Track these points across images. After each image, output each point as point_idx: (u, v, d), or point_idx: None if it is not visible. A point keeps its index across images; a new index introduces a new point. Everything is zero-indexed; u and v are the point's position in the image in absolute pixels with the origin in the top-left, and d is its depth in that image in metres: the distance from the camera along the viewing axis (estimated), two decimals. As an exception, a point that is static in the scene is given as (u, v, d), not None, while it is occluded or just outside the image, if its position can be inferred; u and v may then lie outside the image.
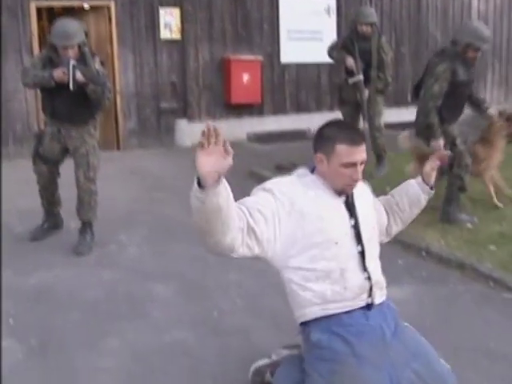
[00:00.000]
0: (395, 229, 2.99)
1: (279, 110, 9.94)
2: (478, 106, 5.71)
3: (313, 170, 2.61)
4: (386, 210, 2.94)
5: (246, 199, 2.46)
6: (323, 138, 2.56)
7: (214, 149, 2.08)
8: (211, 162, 2.08)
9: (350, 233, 2.57)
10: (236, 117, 9.50)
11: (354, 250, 2.57)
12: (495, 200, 5.76)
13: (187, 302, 3.91)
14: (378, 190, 3.06)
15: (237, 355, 3.25)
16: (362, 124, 7.07)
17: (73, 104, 4.60)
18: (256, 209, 2.40)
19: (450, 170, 5.32)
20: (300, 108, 10.11)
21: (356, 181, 2.54)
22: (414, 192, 2.93)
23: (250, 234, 2.35)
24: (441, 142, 5.25)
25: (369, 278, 2.56)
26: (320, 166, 2.56)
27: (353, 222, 2.58)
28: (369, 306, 2.56)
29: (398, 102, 10.27)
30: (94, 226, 4.95)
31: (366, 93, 6.90)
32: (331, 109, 10.00)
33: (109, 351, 3.29)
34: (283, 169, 7.32)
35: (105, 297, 3.96)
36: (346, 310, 2.53)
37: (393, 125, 8.61)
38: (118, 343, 3.37)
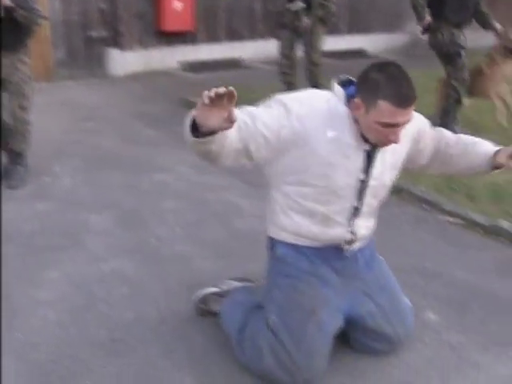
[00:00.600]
0: (430, 171, 2.81)
1: (212, 38, 9.74)
2: (484, 20, 5.74)
3: (350, 97, 2.29)
4: (433, 152, 2.65)
5: (259, 114, 2.22)
6: (367, 83, 2.21)
7: (219, 106, 1.90)
8: (213, 118, 1.93)
9: (355, 186, 2.38)
10: (168, 45, 9.25)
11: (350, 203, 2.41)
12: (499, 117, 6.01)
13: (124, 231, 3.87)
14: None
15: (178, 282, 3.24)
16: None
17: (1, 29, 4.39)
18: (262, 134, 2.20)
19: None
20: (233, 36, 9.94)
21: (392, 142, 2.26)
22: (478, 163, 2.61)
23: (246, 155, 2.24)
24: (426, 21, 5.48)
25: (352, 232, 2.49)
26: (356, 111, 2.25)
27: (363, 176, 2.37)
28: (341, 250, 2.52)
29: (332, 30, 10.23)
30: (27, 159, 4.80)
31: (307, 22, 6.49)
32: (264, 37, 9.88)
33: (48, 283, 3.23)
34: (217, 98, 7.25)
35: (40, 229, 3.88)
36: (317, 247, 2.50)
37: (328, 54, 8.58)
38: (57, 275, 3.31)
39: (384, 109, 2.14)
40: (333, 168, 2.30)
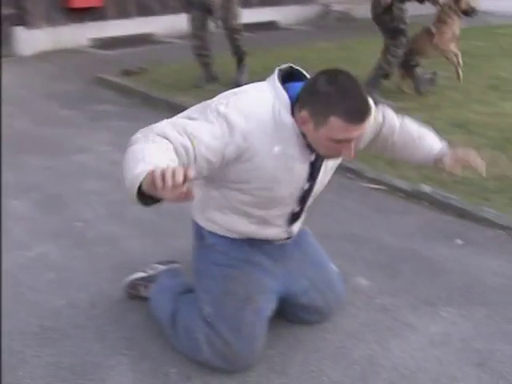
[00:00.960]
0: (368, 151, 2.70)
1: (123, 13, 9.51)
2: None
3: (295, 101, 2.08)
4: (372, 137, 2.52)
5: (200, 134, 1.95)
6: (315, 97, 2.00)
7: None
8: (166, 196, 1.66)
9: (297, 194, 2.29)
10: (77, 22, 8.98)
11: (291, 209, 2.36)
12: (459, 72, 6.17)
13: (47, 215, 3.75)
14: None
15: (106, 264, 3.18)
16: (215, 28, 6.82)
17: None
18: (205, 158, 1.97)
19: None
20: (144, 11, 9.74)
21: (345, 156, 2.10)
22: (422, 158, 2.62)
23: None
24: None
25: (288, 232, 2.46)
26: (302, 126, 2.06)
27: (307, 186, 2.28)
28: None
29: (244, 3, 10.12)
30: None
31: None
32: (176, 12, 9.71)
33: (-31, 273, 3.10)
34: (131, 74, 7.12)
35: (-44, 218, 3.71)
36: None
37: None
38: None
39: (337, 126, 1.97)
40: (277, 181, 2.17)
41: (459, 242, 3.44)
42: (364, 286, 3.02)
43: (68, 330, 2.66)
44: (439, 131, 4.92)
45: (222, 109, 2.04)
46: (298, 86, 2.11)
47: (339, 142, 2.02)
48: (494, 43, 8.46)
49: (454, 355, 2.54)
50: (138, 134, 1.96)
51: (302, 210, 2.42)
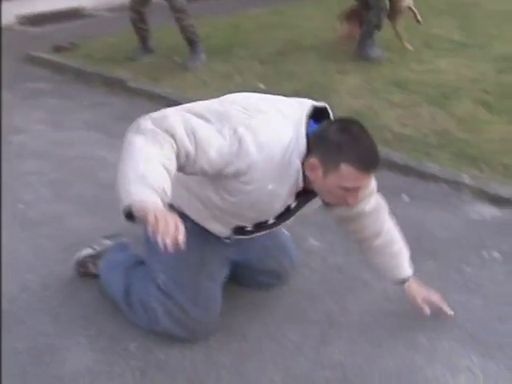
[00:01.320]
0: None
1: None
2: None
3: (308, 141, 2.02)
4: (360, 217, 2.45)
5: (207, 144, 1.92)
6: (328, 143, 1.98)
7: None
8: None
9: (258, 222, 2.30)
10: (2, -1, 8.68)
11: (244, 225, 2.33)
12: (406, 43, 6.29)
13: (-13, 199, 3.65)
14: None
15: (54, 245, 3.11)
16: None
17: None
18: (201, 168, 1.96)
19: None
20: (71, -16, 9.45)
21: (350, 205, 2.10)
22: (384, 273, 2.57)
23: (178, 171, 1.97)
24: None
25: (228, 236, 2.41)
26: (311, 172, 2.03)
27: (271, 221, 2.29)
28: None
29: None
30: None
31: None
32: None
33: None
34: (62, 50, 6.93)
35: None
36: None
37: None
38: None
39: (347, 173, 1.96)
40: (252, 208, 2.15)
41: (406, 198, 3.49)
42: (316, 247, 3.04)
43: (21, 313, 2.60)
44: (379, 91, 5.04)
45: (240, 130, 1.96)
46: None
47: (347, 189, 2.01)
48: (425, 2, 8.54)
49: (409, 308, 2.58)
50: (149, 124, 1.90)
51: (253, 232, 2.38)
